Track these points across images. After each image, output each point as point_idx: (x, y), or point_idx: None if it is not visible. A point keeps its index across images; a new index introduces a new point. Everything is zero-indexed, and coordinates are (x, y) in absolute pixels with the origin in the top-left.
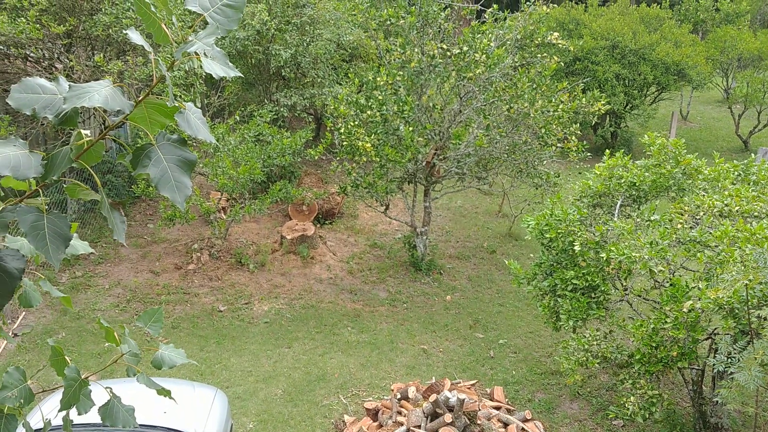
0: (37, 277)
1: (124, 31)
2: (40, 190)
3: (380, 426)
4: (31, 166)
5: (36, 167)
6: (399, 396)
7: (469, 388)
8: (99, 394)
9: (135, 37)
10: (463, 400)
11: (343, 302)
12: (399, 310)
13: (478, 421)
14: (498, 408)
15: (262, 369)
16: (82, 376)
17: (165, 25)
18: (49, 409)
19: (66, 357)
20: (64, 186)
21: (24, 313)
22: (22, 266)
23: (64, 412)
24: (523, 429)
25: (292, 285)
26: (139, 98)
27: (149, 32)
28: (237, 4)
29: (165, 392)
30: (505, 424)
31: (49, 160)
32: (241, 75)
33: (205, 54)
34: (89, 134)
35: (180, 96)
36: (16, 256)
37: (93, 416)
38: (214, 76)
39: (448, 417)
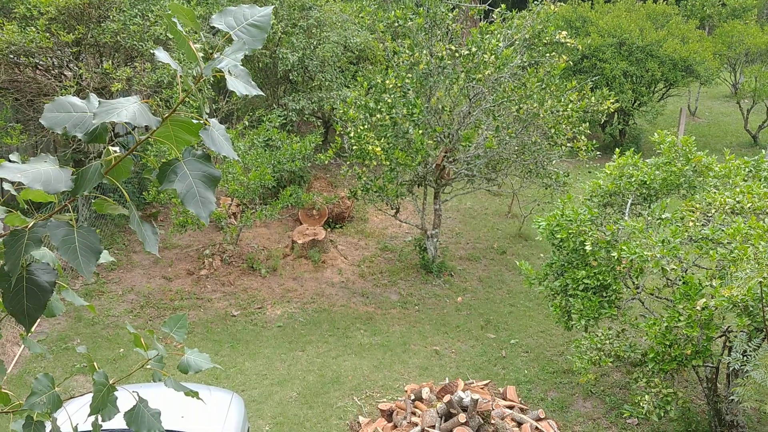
0: (59, 287)
1: (151, 51)
2: (69, 206)
3: (395, 427)
4: (62, 181)
5: (66, 181)
6: (413, 397)
7: (482, 388)
8: (122, 399)
9: (162, 56)
10: (477, 400)
11: (355, 305)
12: (411, 312)
13: (492, 421)
14: (511, 407)
15: (276, 372)
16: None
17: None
18: (73, 410)
19: (95, 363)
20: (92, 201)
21: (38, 319)
22: (53, 279)
23: (90, 417)
24: (536, 428)
25: (304, 289)
26: (165, 115)
27: (162, 41)
28: (262, 24)
29: (193, 393)
30: (519, 424)
31: (79, 175)
32: (263, 93)
33: (229, 72)
34: (117, 150)
35: (188, 101)
36: (46, 270)
37: (115, 422)
38: (238, 94)
39: (462, 417)
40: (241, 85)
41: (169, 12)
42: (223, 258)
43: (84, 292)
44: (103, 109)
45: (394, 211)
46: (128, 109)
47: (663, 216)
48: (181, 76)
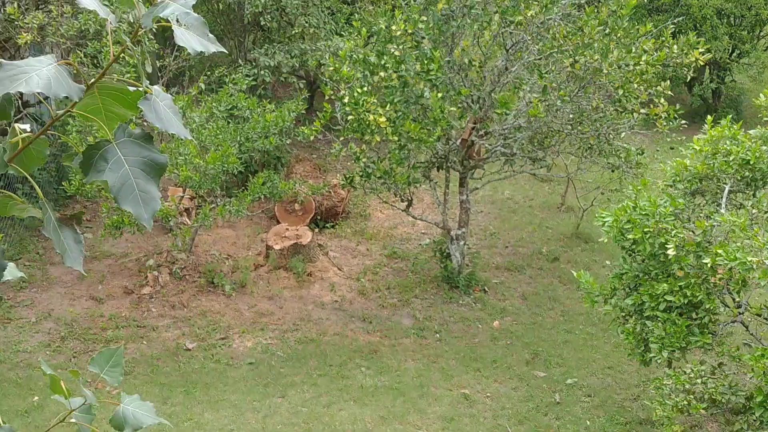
0: None
1: None
2: None
3: None
4: None
5: None
6: None
7: None
8: None
9: (86, 1)
10: None
11: (353, 334)
12: (430, 342)
13: None
14: None
15: (247, 426)
16: None
17: None
18: None
19: None
20: None
21: None
22: None
23: None
24: None
25: (283, 312)
26: (91, 82)
27: None
28: None
29: None
30: None
31: None
32: (225, 51)
33: (178, 21)
34: (27, 129)
35: (123, 60)
36: None
37: None
38: (190, 51)
39: None
40: (194, 39)
41: None
42: (172, 271)
43: None
44: (5, 74)
45: (405, 204)
46: (40, 75)
47: None
48: (112, 27)
